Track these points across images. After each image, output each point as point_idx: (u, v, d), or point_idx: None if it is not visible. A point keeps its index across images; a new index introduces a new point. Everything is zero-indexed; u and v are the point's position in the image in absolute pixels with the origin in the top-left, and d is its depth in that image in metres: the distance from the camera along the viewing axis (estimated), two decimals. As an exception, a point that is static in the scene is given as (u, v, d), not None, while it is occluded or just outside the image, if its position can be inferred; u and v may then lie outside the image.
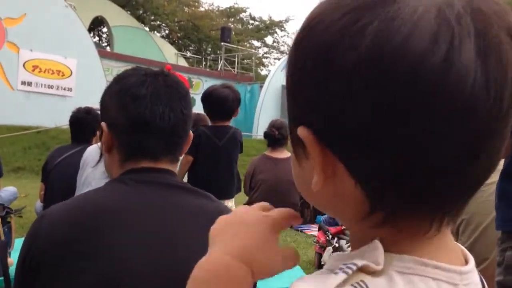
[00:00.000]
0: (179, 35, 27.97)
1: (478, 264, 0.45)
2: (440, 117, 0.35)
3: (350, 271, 0.37)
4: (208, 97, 3.29)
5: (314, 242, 3.85)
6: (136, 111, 0.99)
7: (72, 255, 0.86)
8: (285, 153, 4.64)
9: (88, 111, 3.45)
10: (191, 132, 1.07)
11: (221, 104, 3.25)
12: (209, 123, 3.49)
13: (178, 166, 4.02)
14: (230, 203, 3.30)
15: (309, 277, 0.40)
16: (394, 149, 0.37)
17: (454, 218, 0.41)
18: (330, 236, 3.49)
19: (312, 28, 0.40)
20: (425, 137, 0.36)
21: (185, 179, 3.27)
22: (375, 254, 0.38)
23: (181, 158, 4.10)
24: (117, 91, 1.01)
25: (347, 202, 0.41)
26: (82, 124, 3.43)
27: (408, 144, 0.36)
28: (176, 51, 21.45)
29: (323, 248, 3.58)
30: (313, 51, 0.39)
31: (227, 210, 1.02)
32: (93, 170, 2.70)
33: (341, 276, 0.37)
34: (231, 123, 3.46)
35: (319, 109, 0.39)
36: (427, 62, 0.35)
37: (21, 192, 5.49)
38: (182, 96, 1.02)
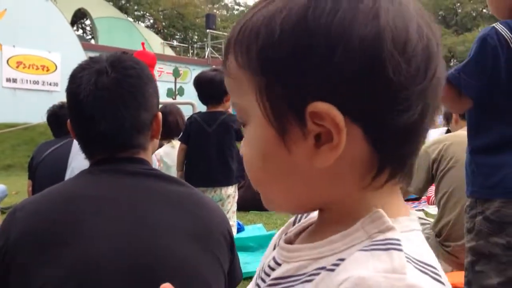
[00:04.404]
0: (164, 24, 27.71)
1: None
2: None
3: (400, 247, 0.38)
4: (196, 82, 3.22)
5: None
6: (78, 117, 1.00)
7: (45, 244, 0.87)
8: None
9: (61, 105, 3.50)
10: (159, 115, 1.05)
11: (207, 86, 3.12)
12: (181, 116, 3.54)
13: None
14: (229, 191, 3.16)
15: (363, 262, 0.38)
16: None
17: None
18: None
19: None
20: None
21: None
22: (384, 220, 0.40)
23: (165, 144, 4.02)
24: (67, 92, 1.02)
25: (353, 170, 0.42)
26: (58, 119, 3.49)
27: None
28: (162, 41, 21.26)
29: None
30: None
31: (196, 194, 1.02)
32: (79, 161, 2.69)
33: (400, 254, 0.37)
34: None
35: (337, 81, 0.39)
36: None
37: (11, 190, 5.46)
38: (128, 91, 0.99)
